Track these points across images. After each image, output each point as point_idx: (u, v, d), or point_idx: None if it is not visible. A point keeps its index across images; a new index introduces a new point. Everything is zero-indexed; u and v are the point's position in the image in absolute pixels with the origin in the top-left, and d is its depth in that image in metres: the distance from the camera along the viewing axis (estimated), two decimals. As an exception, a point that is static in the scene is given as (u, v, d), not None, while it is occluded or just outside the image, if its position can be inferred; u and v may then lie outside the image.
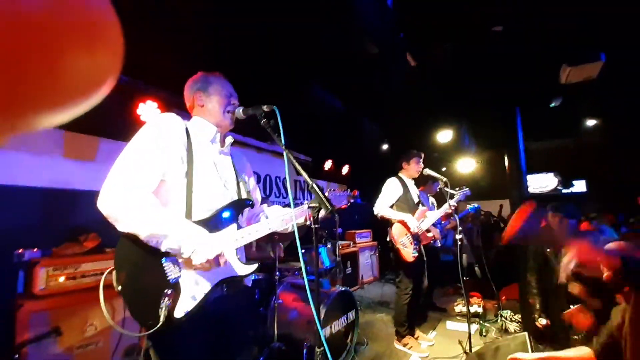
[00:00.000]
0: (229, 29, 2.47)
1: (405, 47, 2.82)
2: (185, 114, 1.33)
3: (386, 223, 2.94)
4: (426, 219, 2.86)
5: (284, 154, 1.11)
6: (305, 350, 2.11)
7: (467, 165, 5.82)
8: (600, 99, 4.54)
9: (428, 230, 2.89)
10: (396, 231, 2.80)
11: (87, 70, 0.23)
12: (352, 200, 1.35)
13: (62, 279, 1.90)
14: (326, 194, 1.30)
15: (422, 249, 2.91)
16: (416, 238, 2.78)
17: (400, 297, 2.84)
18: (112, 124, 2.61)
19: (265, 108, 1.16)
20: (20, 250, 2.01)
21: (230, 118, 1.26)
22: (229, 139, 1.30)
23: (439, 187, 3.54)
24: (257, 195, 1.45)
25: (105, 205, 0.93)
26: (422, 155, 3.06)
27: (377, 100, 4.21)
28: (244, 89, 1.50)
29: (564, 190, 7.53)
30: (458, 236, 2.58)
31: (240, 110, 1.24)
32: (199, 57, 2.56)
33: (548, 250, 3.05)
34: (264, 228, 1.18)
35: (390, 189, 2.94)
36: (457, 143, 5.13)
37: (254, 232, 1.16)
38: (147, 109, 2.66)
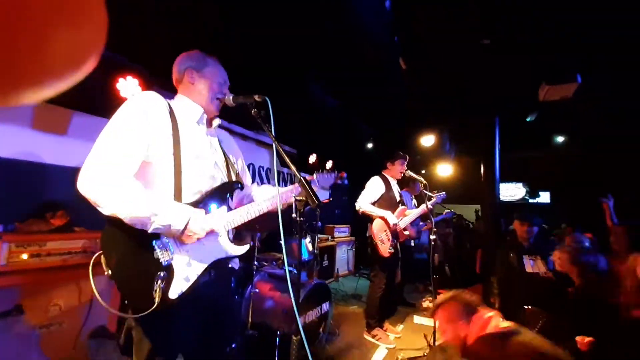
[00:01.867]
0: (224, 13, 2.39)
1: (399, 50, 2.87)
2: (167, 94, 1.28)
3: (366, 219, 3.03)
4: (405, 218, 2.98)
5: (274, 145, 1.11)
6: (278, 338, 2.14)
7: (445, 170, 6.05)
8: (572, 117, 4.86)
9: (405, 229, 3.01)
10: (376, 227, 2.90)
11: (72, 46, 0.23)
12: (339, 182, 1.37)
13: (25, 256, 1.79)
14: (314, 178, 1.31)
15: (398, 245, 3.03)
16: (394, 235, 2.89)
17: (374, 291, 2.95)
18: (88, 97, 2.46)
19: (256, 98, 1.14)
20: (-20, 224, 1.89)
21: (217, 105, 1.23)
22: (217, 121, 1.27)
23: (420, 188, 3.69)
24: (247, 177, 1.44)
25: (85, 187, 0.90)
26: (407, 157, 3.16)
27: (368, 100, 4.25)
28: (234, 76, 1.47)
29: (530, 200, 8.02)
30: (432, 237, 2.70)
31: (231, 97, 1.21)
32: (189, 40, 2.46)
33: (511, 255, 3.27)
34: (253, 209, 1.18)
35: (374, 187, 3.03)
36: (439, 148, 5.31)
37: (244, 214, 1.15)
38: (128, 85, 2.52)
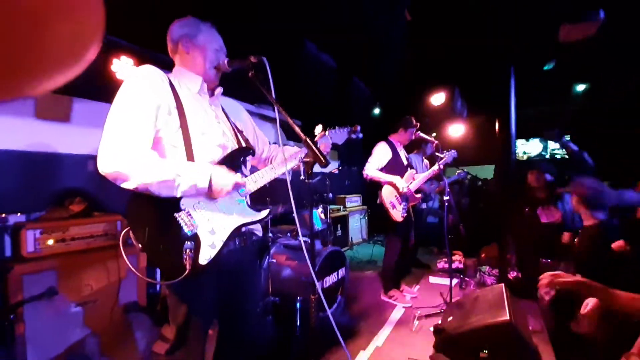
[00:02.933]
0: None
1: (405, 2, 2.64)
2: (164, 70, 1.23)
3: (376, 187, 3.00)
4: (414, 181, 2.95)
5: (275, 109, 1.07)
6: (299, 303, 2.23)
7: (458, 130, 5.84)
8: (592, 63, 4.49)
9: (417, 191, 2.98)
10: (386, 192, 2.89)
11: (72, 37, 0.24)
12: (353, 136, 1.33)
13: (50, 241, 1.88)
14: (326, 134, 1.28)
15: (411, 209, 3.02)
16: (404, 199, 2.88)
17: (389, 256, 3.00)
18: (86, 82, 2.41)
19: (252, 59, 1.08)
20: (3, 215, 1.96)
21: (215, 74, 1.19)
22: (219, 89, 1.23)
23: (432, 148, 3.61)
24: (262, 140, 1.45)
25: (109, 164, 0.91)
26: (418, 125, 3.09)
27: (370, 62, 4.03)
28: (230, 44, 1.39)
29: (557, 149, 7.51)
30: (445, 197, 2.67)
31: (226, 61, 1.15)
32: (180, 10, 2.32)
33: (527, 209, 3.22)
34: (269, 173, 1.18)
35: (380, 152, 2.99)
36: (449, 107, 5.07)
37: (259, 179, 1.16)
38: (123, 66, 2.45)
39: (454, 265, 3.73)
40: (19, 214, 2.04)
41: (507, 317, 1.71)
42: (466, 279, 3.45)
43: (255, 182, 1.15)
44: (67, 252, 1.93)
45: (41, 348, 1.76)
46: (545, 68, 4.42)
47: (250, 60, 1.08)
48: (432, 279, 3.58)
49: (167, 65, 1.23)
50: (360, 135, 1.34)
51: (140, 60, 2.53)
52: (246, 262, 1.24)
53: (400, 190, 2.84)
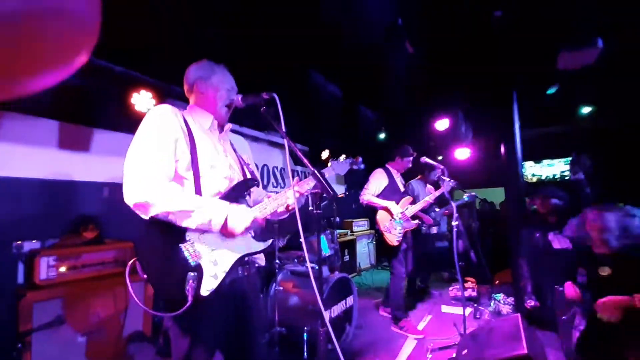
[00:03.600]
0: (225, 18, 2.41)
1: (404, 33, 2.79)
2: (180, 104, 1.33)
3: (376, 212, 3.07)
4: (411, 207, 3.03)
5: (285, 142, 1.12)
6: (306, 334, 2.17)
7: (463, 153, 5.86)
8: (597, 85, 4.54)
9: (414, 217, 3.05)
10: (380, 217, 3.00)
11: (65, 42, 0.25)
12: (355, 167, 1.35)
13: (63, 269, 1.91)
14: (329, 166, 1.31)
15: (410, 234, 3.08)
16: (399, 223, 2.93)
17: (396, 283, 2.95)
18: (106, 114, 2.58)
19: (264, 96, 1.16)
20: (19, 242, 2.02)
21: (226, 112, 1.28)
22: (228, 125, 1.31)
23: (436, 175, 3.62)
24: (258, 179, 1.47)
25: (138, 194, 0.97)
26: (415, 155, 3.24)
27: (376, 89, 4.18)
28: (241, 77, 1.48)
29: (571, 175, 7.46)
30: (454, 222, 2.63)
31: (240, 98, 1.24)
32: (194, 47, 2.51)
33: (537, 235, 3.14)
34: (272, 204, 1.20)
35: (376, 179, 3.12)
36: (454, 131, 5.13)
37: (262, 209, 1.19)
38: (141, 99, 2.61)
39: (466, 293, 3.59)
40: (34, 241, 2.09)
41: (525, 350, 1.63)
42: (480, 307, 3.30)
43: (259, 212, 1.17)
44: (78, 280, 1.95)
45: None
46: (548, 92, 4.50)
47: (262, 96, 1.16)
48: (445, 308, 3.44)
49: (183, 98, 1.33)
50: (362, 166, 1.37)
51: (159, 93, 2.69)
52: (250, 292, 1.24)
53: (394, 214, 2.91)
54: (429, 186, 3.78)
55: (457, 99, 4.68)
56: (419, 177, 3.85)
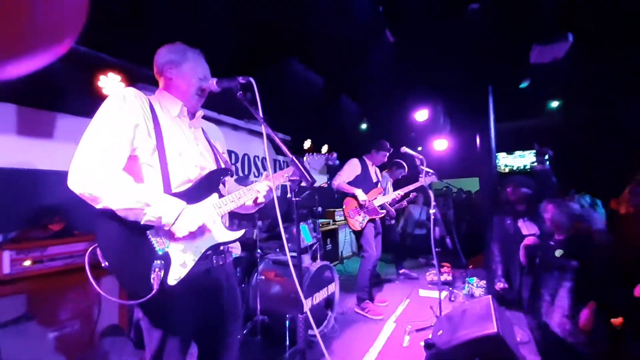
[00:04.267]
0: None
1: (385, 22, 2.78)
2: (152, 88, 1.25)
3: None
4: (380, 198, 3.20)
5: (262, 127, 1.09)
6: (287, 321, 2.19)
7: (441, 144, 6.03)
8: (565, 80, 4.79)
9: (381, 207, 3.23)
10: (346, 203, 3.19)
11: (52, 22, 0.24)
12: (330, 162, 1.36)
13: (27, 262, 1.79)
14: (306, 158, 1.30)
15: (378, 222, 3.24)
16: (365, 211, 3.11)
17: (364, 265, 3.09)
18: (71, 98, 2.40)
19: (241, 80, 1.11)
20: (-23, 235, 1.88)
21: (197, 101, 1.21)
22: (199, 112, 1.25)
23: (401, 174, 3.84)
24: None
25: (78, 182, 0.90)
26: (391, 150, 3.36)
27: (357, 78, 4.17)
28: (218, 62, 1.42)
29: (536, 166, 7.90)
30: (431, 211, 2.72)
31: (214, 81, 1.18)
32: (167, 27, 2.37)
33: (508, 222, 3.32)
34: (246, 194, 1.17)
35: (349, 168, 3.25)
36: (433, 122, 5.26)
37: (236, 199, 1.15)
38: (110, 82, 2.45)
39: (442, 278, 3.76)
40: (-6, 234, 1.95)
41: (495, 329, 1.73)
42: (455, 290, 3.48)
43: (232, 202, 1.14)
44: (45, 274, 1.84)
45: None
46: (521, 86, 4.69)
47: (238, 80, 1.11)
48: (422, 292, 3.59)
49: (155, 82, 1.25)
50: (337, 162, 1.38)
51: (128, 76, 2.53)
52: (224, 281, 1.20)
53: (361, 201, 3.07)
54: (389, 183, 3.87)
55: (436, 92, 4.78)
56: (386, 170, 3.95)
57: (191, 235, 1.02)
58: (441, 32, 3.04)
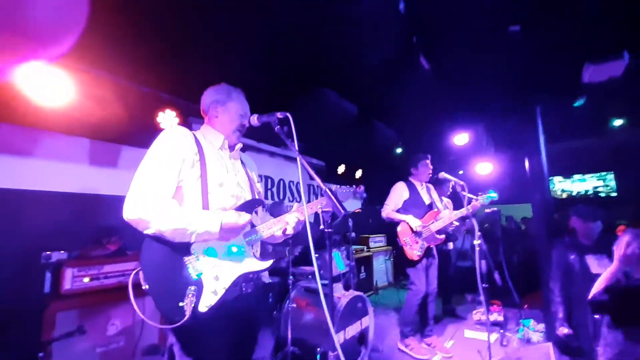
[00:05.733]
0: (241, 37, 2.53)
1: (419, 50, 2.80)
2: (200, 121, 1.39)
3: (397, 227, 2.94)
4: (437, 221, 2.84)
5: (298, 160, 1.13)
6: (318, 355, 2.10)
7: (485, 168, 5.66)
8: (628, 98, 4.31)
9: (440, 232, 2.85)
10: (401, 230, 2.86)
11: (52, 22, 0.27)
12: (357, 195, 1.34)
13: (86, 279, 1.98)
14: (338, 195, 1.31)
15: (434, 250, 2.91)
16: (421, 238, 2.79)
17: (410, 298, 2.82)
18: (133, 132, 2.74)
19: (279, 115, 1.20)
20: (48, 252, 2.13)
21: (238, 137, 1.34)
22: (239, 145, 1.37)
23: (448, 188, 3.49)
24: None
25: (132, 209, 1.01)
26: (429, 155, 3.07)
27: (391, 105, 4.18)
28: (257, 95, 1.53)
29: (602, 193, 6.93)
30: (476, 241, 2.50)
31: (255, 117, 1.28)
32: (215, 67, 2.64)
33: (572, 257, 2.91)
34: (276, 225, 1.22)
35: (396, 193, 3.00)
36: (475, 145, 4.99)
37: (266, 229, 1.20)
38: (166, 117, 2.77)
39: (492, 317, 3.36)
40: (61, 252, 2.20)
41: (559, 387, 1.48)
42: (507, 333, 3.07)
43: (262, 232, 1.20)
44: (99, 290, 2.02)
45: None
46: (576, 105, 4.30)
47: (276, 116, 1.20)
48: (468, 333, 3.23)
49: (202, 116, 1.38)
50: (364, 195, 1.37)
51: (182, 112, 2.84)
52: (255, 308, 1.24)
53: (414, 228, 2.78)
54: (445, 199, 3.65)
55: (477, 114, 4.58)
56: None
57: (224, 262, 1.07)
58: (479, 55, 2.97)
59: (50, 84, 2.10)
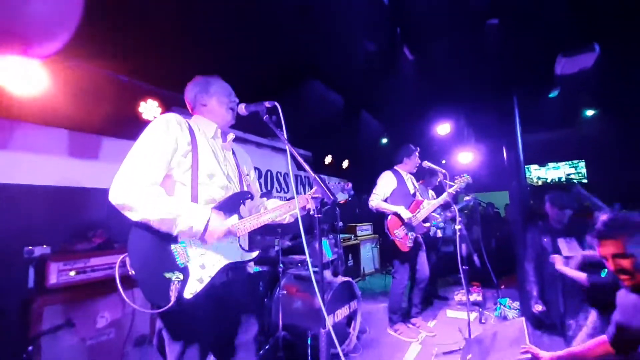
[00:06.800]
0: (227, 28, 2.49)
1: (403, 42, 2.85)
2: (185, 111, 1.39)
3: (385, 216, 2.99)
4: (422, 210, 2.92)
5: (287, 149, 1.16)
6: (309, 338, 2.18)
7: (466, 157, 5.86)
8: (599, 89, 4.55)
9: (425, 220, 2.94)
10: (391, 223, 2.86)
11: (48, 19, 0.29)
12: (345, 192, 1.38)
13: (72, 273, 1.95)
14: (327, 182, 1.35)
15: (421, 239, 2.99)
16: (411, 228, 2.85)
17: (396, 287, 2.93)
18: (114, 122, 2.66)
19: (267, 104, 1.21)
20: (30, 247, 2.07)
21: (232, 115, 1.34)
22: (231, 135, 1.37)
23: (437, 180, 3.61)
24: (257, 188, 1.53)
25: (119, 196, 1.01)
26: (418, 148, 3.13)
27: (377, 96, 4.24)
28: (243, 86, 1.53)
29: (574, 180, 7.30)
30: (457, 227, 2.63)
31: (243, 106, 1.29)
32: (197, 57, 2.59)
33: (545, 240, 3.11)
34: (265, 217, 1.24)
35: (384, 182, 2.99)
36: (456, 135, 5.15)
37: (254, 221, 1.21)
38: (148, 107, 2.70)
39: (472, 298, 3.56)
40: (44, 246, 2.15)
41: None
42: (485, 312, 3.28)
43: (250, 223, 1.20)
44: (87, 283, 1.99)
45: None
46: (551, 96, 4.51)
47: (264, 105, 1.20)
48: (450, 313, 3.42)
49: (186, 105, 1.38)
50: (352, 192, 1.40)
51: (165, 102, 2.77)
52: (240, 294, 1.26)
53: (405, 220, 2.81)
54: (431, 191, 3.78)
55: (458, 104, 4.71)
56: (420, 181, 3.85)
57: (211, 251, 1.09)
58: (460, 47, 3.05)
59: (23, 73, 2.00)
